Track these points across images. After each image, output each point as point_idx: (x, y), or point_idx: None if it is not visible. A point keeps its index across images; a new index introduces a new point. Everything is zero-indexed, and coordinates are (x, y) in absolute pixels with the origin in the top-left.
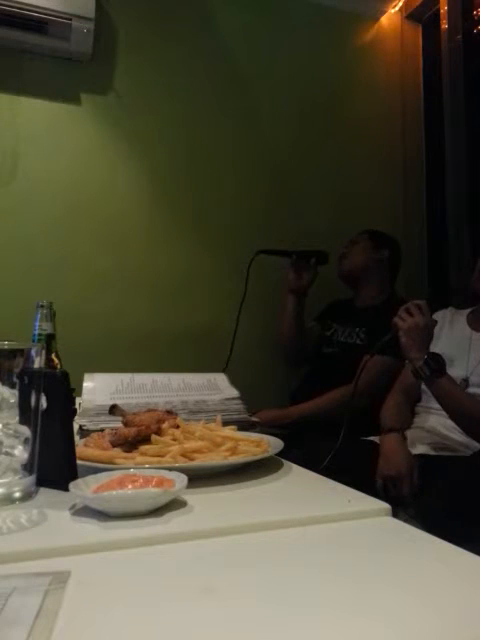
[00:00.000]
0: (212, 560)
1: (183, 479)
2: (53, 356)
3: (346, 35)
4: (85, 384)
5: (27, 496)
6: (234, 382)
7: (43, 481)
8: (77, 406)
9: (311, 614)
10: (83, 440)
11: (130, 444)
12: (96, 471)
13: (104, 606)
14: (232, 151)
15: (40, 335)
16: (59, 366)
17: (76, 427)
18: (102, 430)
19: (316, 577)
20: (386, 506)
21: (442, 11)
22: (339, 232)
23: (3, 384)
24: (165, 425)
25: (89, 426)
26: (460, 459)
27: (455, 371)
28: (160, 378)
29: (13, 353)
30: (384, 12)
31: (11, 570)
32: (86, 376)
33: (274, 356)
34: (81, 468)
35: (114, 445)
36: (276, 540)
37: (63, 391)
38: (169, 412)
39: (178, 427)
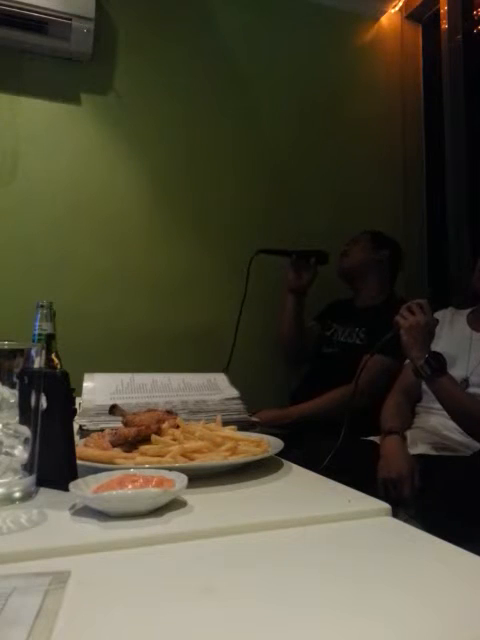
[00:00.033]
0: (212, 560)
1: (183, 479)
2: (53, 356)
3: (346, 35)
4: (85, 384)
5: (27, 496)
6: (234, 382)
7: (43, 481)
8: (77, 406)
9: (311, 614)
10: (83, 440)
11: (130, 444)
12: (96, 471)
13: (104, 606)
14: (232, 151)
15: (40, 335)
16: (59, 366)
17: (76, 427)
18: (102, 430)
19: (316, 577)
20: (386, 506)
21: (442, 11)
22: (339, 232)
23: (3, 384)
24: (165, 425)
25: (89, 426)
26: (460, 459)
27: (455, 371)
28: (160, 378)
29: (13, 353)
30: (384, 12)
31: (11, 570)
32: (86, 376)
33: (274, 356)
34: (81, 468)
35: (114, 445)
36: (276, 540)
37: (63, 391)
38: (169, 412)
39: (178, 427)
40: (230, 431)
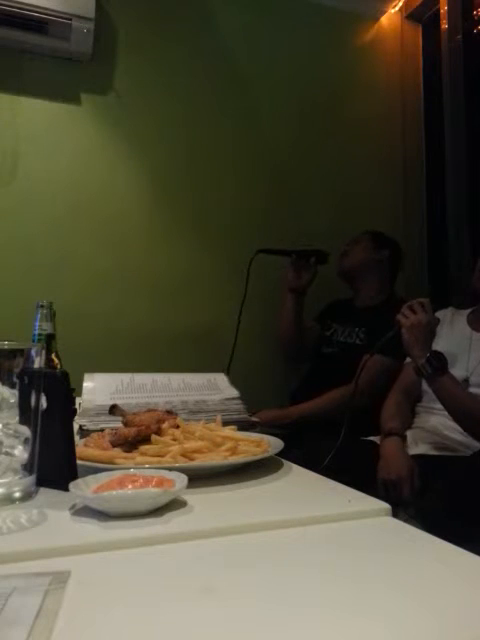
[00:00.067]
0: (212, 560)
1: (183, 479)
2: (53, 356)
3: (346, 35)
4: (85, 384)
5: (27, 496)
6: (234, 382)
7: (43, 481)
8: (77, 406)
9: (311, 614)
10: (83, 440)
11: (130, 444)
12: (96, 471)
13: (104, 606)
14: (232, 151)
15: (40, 335)
16: (59, 366)
17: (76, 427)
18: (102, 430)
19: (316, 577)
20: (386, 506)
21: (442, 11)
22: (339, 232)
23: (3, 384)
24: (165, 425)
25: (89, 426)
26: (460, 459)
27: (455, 371)
28: (160, 378)
29: (13, 353)
30: (384, 12)
31: (11, 570)
32: (86, 376)
33: (274, 356)
34: (81, 468)
35: (114, 445)
36: (276, 540)
37: (63, 391)
38: (169, 412)
39: (178, 427)
40: (230, 431)
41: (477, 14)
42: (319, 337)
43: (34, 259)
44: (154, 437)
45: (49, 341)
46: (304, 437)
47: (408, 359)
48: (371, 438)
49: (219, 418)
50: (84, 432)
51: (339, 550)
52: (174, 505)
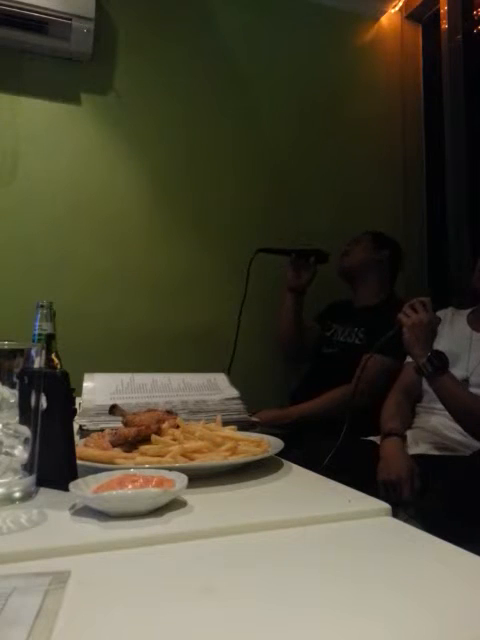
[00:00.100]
0: (212, 560)
1: (183, 479)
2: (53, 356)
3: (346, 35)
4: (85, 384)
5: (27, 496)
6: (234, 382)
7: (43, 481)
8: (77, 406)
9: (311, 614)
10: (83, 440)
11: (130, 444)
12: (96, 471)
13: (104, 606)
14: (232, 151)
15: (40, 335)
16: (59, 366)
17: (76, 427)
18: (102, 430)
19: (316, 577)
20: (386, 506)
21: (442, 11)
22: (339, 232)
23: (3, 384)
24: (165, 425)
25: (89, 426)
26: (460, 459)
27: (455, 371)
28: (160, 378)
29: (13, 353)
30: (384, 12)
31: (11, 570)
32: (86, 376)
33: (274, 356)
34: (81, 468)
35: (114, 445)
36: (276, 540)
37: (63, 391)
38: (169, 412)
39: (178, 427)
40: (230, 431)
41: (477, 14)
42: (319, 337)
43: (34, 259)
44: (154, 437)
45: (49, 341)
46: (304, 437)
47: (408, 359)
48: (371, 438)
49: (219, 418)
50: (84, 432)
51: (339, 550)
52: (174, 505)
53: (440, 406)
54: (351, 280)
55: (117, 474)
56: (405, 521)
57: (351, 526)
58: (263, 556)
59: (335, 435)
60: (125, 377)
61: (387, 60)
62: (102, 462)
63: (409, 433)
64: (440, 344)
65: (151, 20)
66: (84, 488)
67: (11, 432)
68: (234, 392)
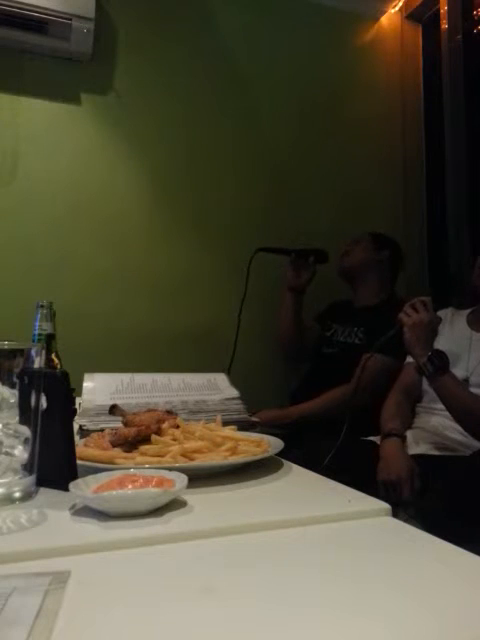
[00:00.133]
0: (212, 560)
1: (183, 479)
2: (53, 356)
3: (346, 35)
4: (85, 384)
5: (27, 496)
6: (234, 382)
7: (43, 481)
8: (77, 406)
9: (311, 614)
10: (83, 440)
11: (130, 444)
12: (96, 471)
13: (104, 606)
14: (232, 151)
15: (40, 335)
16: (59, 366)
17: (76, 427)
18: (102, 430)
19: (316, 577)
20: (386, 506)
21: (442, 11)
22: (339, 232)
23: (3, 384)
24: (165, 425)
25: (89, 426)
26: (460, 459)
27: (455, 371)
28: (160, 378)
29: (13, 353)
30: (384, 12)
31: (11, 570)
32: (86, 376)
33: (274, 356)
34: (81, 468)
35: (114, 445)
36: (276, 540)
37: (63, 391)
38: (169, 412)
39: (178, 427)
40: (230, 431)
41: (477, 14)
42: (319, 337)
43: (34, 259)
44: (154, 437)
45: (49, 341)
46: (304, 437)
47: (409, 359)
48: (371, 438)
49: (219, 418)
50: (84, 432)
51: (339, 550)
52: (174, 505)
53: (440, 406)
54: (351, 280)
55: (117, 474)
56: (405, 521)
57: (351, 526)
58: (263, 556)
59: (335, 435)
60: (125, 377)
61: (387, 60)
62: (102, 462)
63: (409, 433)
64: (440, 344)
65: (151, 20)
66: (84, 488)
67: (11, 432)
68: (234, 392)
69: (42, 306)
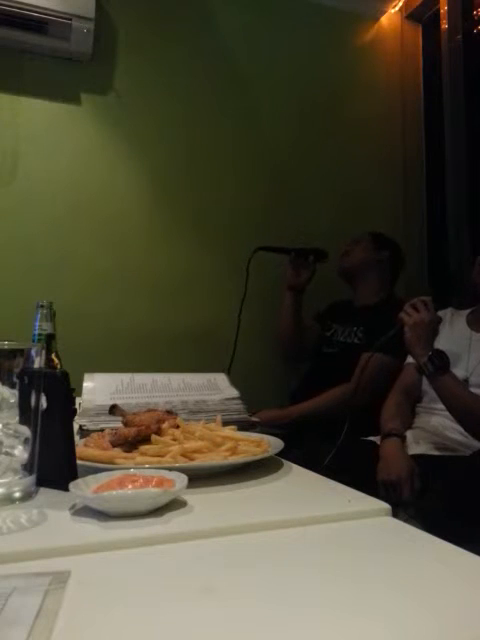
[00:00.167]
0: (212, 560)
1: (183, 479)
2: (53, 356)
3: (346, 35)
4: (85, 384)
5: (27, 496)
6: (234, 382)
7: (43, 481)
8: (77, 406)
9: (311, 614)
10: (83, 440)
11: (130, 444)
12: (96, 471)
13: (104, 606)
14: (232, 151)
15: (40, 335)
16: (59, 366)
17: (76, 427)
18: (102, 430)
19: (316, 577)
20: (386, 506)
21: (442, 11)
22: (339, 232)
23: (3, 384)
24: (165, 425)
25: (89, 426)
26: (460, 459)
27: (455, 372)
28: (160, 378)
29: (13, 353)
30: (384, 12)
31: (11, 570)
32: (86, 376)
33: (274, 356)
34: (81, 468)
35: (114, 445)
36: (276, 540)
37: (63, 391)
38: (169, 412)
39: (178, 427)
40: (230, 431)
41: (477, 14)
42: (319, 337)
43: (34, 259)
44: (154, 437)
45: (49, 341)
46: (304, 437)
47: (409, 359)
48: (371, 438)
49: (219, 418)
50: (84, 432)
51: (339, 550)
52: (174, 505)
53: (440, 406)
54: (351, 280)
55: (117, 474)
56: (405, 521)
57: (351, 526)
58: (263, 556)
59: (335, 435)
60: (125, 377)
61: (387, 60)
62: (102, 462)
63: (409, 433)
64: (440, 344)
65: (151, 20)
66: (84, 488)
67: (11, 432)
68: (234, 392)
69: (42, 306)
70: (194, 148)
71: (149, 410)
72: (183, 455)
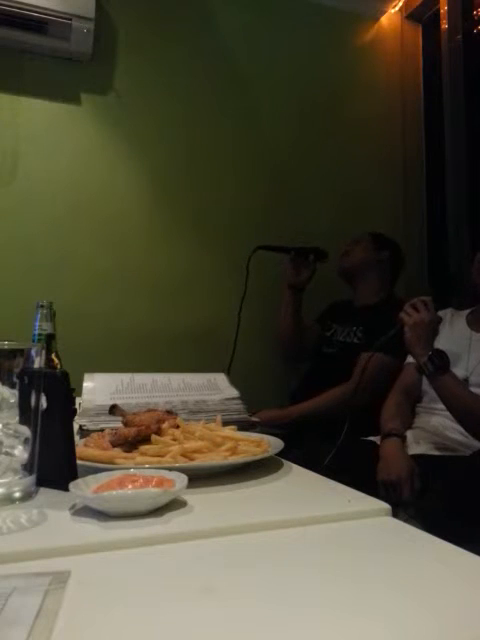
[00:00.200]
0: (212, 560)
1: (183, 479)
2: (53, 356)
3: (346, 35)
4: (85, 384)
5: (27, 496)
6: (234, 382)
7: (43, 481)
8: (77, 406)
9: (311, 614)
10: (83, 440)
11: (130, 444)
12: (96, 471)
13: (104, 606)
14: (232, 151)
15: (40, 335)
16: (59, 366)
17: (76, 427)
18: (102, 430)
19: (316, 577)
20: (386, 506)
21: (442, 11)
22: (339, 232)
23: (3, 384)
24: (165, 425)
25: (89, 426)
26: (460, 459)
27: (455, 372)
28: (160, 378)
29: (13, 353)
30: (384, 12)
31: (11, 570)
32: (86, 376)
33: (274, 356)
34: (81, 468)
35: (114, 445)
36: (276, 540)
37: (63, 391)
38: (169, 412)
39: (178, 427)
40: (230, 431)
41: (477, 14)
42: (320, 337)
43: (34, 259)
44: (154, 437)
45: (49, 341)
46: (304, 437)
47: (409, 359)
48: (371, 438)
49: (219, 418)
50: (84, 432)
51: (339, 550)
52: (174, 505)
53: (440, 406)
54: (351, 280)
55: (117, 474)
56: (405, 521)
57: (351, 526)
58: (263, 556)
59: (335, 435)
60: (125, 377)
61: (387, 60)
62: (102, 462)
63: (409, 433)
64: (439, 344)
65: (151, 20)
66: (84, 488)
67: (11, 432)
68: (234, 392)
69: (42, 306)
70: (194, 148)
71: (149, 410)
72: (183, 455)
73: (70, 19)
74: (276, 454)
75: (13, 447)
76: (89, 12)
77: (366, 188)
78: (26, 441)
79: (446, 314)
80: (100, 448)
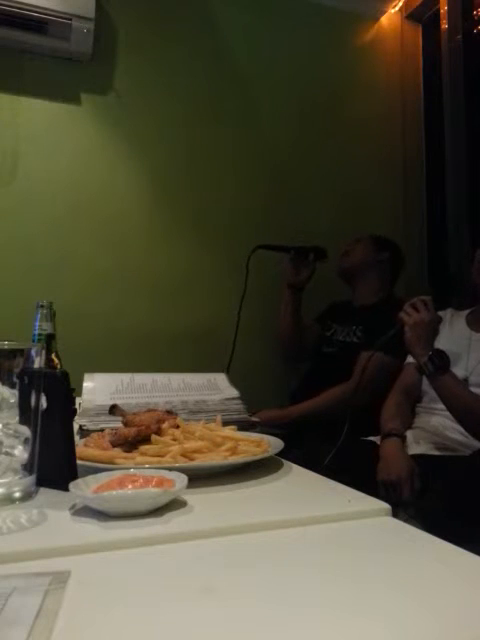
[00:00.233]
0: (212, 560)
1: (183, 479)
2: (53, 356)
3: (346, 35)
4: (85, 384)
5: (27, 496)
6: (234, 382)
7: (43, 481)
8: (77, 406)
9: (311, 614)
10: (83, 440)
11: (130, 444)
12: (96, 471)
13: (104, 606)
14: (232, 151)
15: (40, 335)
16: (59, 366)
17: (76, 427)
18: (102, 430)
19: (316, 577)
20: (386, 506)
21: (442, 11)
22: (339, 232)
23: (3, 384)
24: (165, 425)
25: (89, 426)
26: (460, 459)
27: (455, 372)
28: (160, 378)
29: (13, 353)
30: (384, 12)
31: (11, 570)
32: (86, 376)
33: (274, 356)
34: (81, 468)
35: (114, 445)
36: (276, 540)
37: (63, 391)
38: (169, 412)
39: (178, 427)
40: (230, 431)
41: (477, 14)
42: (319, 337)
43: (34, 259)
44: (154, 437)
45: (49, 341)
46: (304, 437)
47: (409, 359)
48: (371, 438)
49: (219, 418)
50: (84, 432)
51: (339, 550)
52: (174, 505)
53: (440, 406)
54: (351, 280)
55: (117, 474)
56: (405, 521)
57: (351, 526)
58: (263, 556)
59: (335, 435)
60: (125, 377)
61: (387, 60)
62: (102, 462)
63: (409, 433)
64: (439, 344)
65: (151, 20)
66: (84, 488)
67: (11, 432)
68: (234, 392)
69: (42, 306)
70: (194, 148)
71: (149, 410)
72: (183, 455)
73: (70, 19)
74: (276, 454)
75: (13, 447)
76: (89, 12)
77: (366, 188)
78: (26, 441)
79: (446, 314)
80: (100, 448)
